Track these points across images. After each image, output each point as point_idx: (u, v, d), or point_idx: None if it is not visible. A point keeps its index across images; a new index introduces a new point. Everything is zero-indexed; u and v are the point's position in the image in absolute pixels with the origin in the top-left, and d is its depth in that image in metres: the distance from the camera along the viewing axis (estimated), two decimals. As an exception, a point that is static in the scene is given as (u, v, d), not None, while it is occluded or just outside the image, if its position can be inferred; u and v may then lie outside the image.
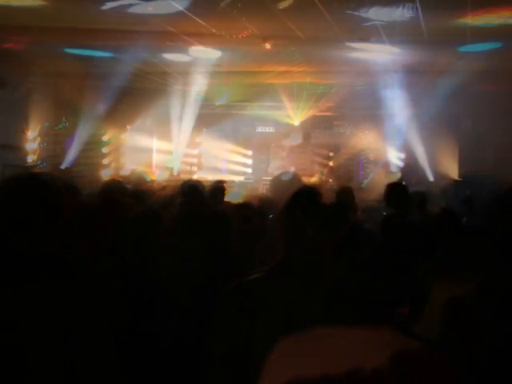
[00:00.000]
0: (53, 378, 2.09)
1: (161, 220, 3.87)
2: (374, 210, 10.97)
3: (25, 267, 2.12)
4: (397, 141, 14.96)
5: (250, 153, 17.68)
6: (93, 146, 14.81)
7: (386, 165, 15.55)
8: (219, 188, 7.01)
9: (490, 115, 13.88)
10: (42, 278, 2.11)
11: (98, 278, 2.44)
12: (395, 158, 15.75)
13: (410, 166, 14.87)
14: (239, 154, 17.50)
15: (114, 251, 3.11)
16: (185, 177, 15.75)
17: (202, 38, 11.10)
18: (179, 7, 8.90)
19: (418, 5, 8.78)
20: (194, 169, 17.03)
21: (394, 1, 8.78)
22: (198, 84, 14.10)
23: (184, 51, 12.28)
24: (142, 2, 8.82)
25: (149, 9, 9.09)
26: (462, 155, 14.00)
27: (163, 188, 8.41)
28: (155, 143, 16.60)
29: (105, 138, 15.41)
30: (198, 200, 6.19)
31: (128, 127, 15.50)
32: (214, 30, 10.54)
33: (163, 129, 16.00)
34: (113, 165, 15.66)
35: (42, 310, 2.10)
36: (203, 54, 12.49)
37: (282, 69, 13.72)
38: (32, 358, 2.07)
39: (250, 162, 17.65)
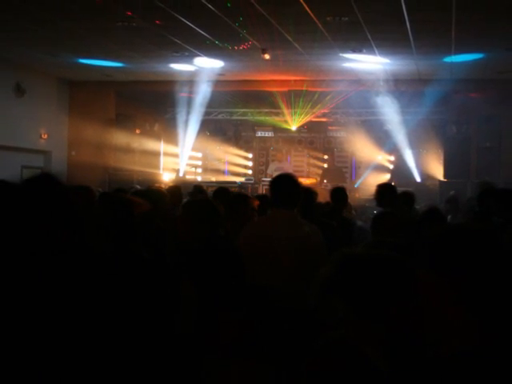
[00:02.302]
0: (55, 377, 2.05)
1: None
2: (365, 208, 11.05)
3: (41, 265, 2.08)
4: (386, 144, 15.01)
5: (250, 155, 17.70)
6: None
7: (377, 167, 15.57)
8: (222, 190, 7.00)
9: (473, 121, 13.91)
10: (58, 275, 2.07)
11: (115, 274, 2.40)
12: (385, 160, 15.79)
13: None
14: (240, 156, 17.52)
15: (129, 248, 3.06)
16: (190, 178, 15.77)
17: (205, 49, 11.13)
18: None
19: (407, 21, 8.82)
20: (199, 170, 17.01)
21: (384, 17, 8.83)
22: (203, 91, 14.11)
23: (189, 61, 12.31)
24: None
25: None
26: (446, 158, 14.03)
27: (169, 188, 8.38)
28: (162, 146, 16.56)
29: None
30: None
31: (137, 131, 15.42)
32: (216, 42, 10.57)
33: (170, 133, 16.00)
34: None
35: (54, 306, 2.05)
36: (207, 64, 12.53)
37: (280, 77, 13.75)
38: (35, 356, 2.02)
39: (250, 164, 17.68)
